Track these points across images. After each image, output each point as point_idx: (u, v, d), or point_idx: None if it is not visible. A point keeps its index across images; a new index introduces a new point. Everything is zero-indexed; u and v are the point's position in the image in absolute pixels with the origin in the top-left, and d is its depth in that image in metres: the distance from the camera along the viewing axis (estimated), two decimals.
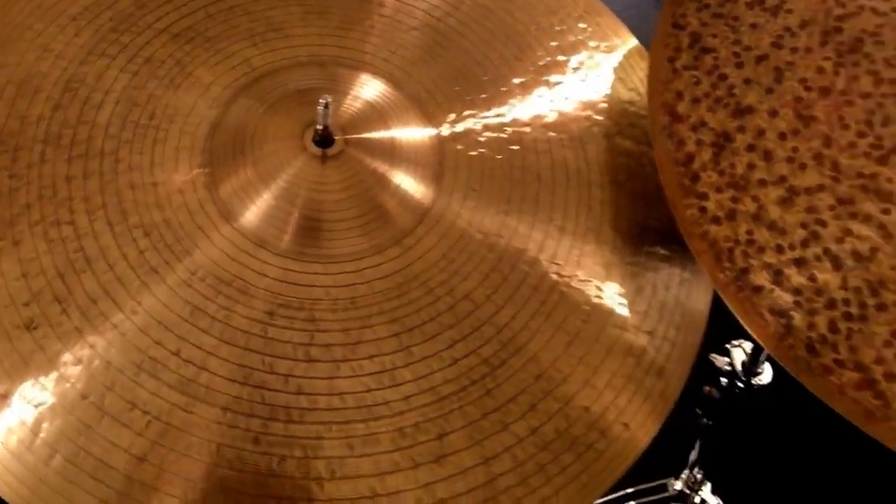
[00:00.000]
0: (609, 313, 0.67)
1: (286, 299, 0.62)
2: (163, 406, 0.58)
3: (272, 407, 0.58)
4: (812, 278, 0.62)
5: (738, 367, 0.91)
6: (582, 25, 0.83)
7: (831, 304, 0.61)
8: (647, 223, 0.72)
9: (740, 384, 0.92)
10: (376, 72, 0.74)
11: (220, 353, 0.59)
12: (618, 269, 0.69)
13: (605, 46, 0.82)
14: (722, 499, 1.08)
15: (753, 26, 0.72)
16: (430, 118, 0.72)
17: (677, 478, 1.10)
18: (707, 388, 0.95)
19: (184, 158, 0.67)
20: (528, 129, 0.74)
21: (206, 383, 0.59)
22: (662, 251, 0.71)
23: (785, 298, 0.62)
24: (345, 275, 0.64)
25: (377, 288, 0.64)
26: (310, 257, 0.64)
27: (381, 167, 0.68)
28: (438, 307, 0.63)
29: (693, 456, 1.04)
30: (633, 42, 0.83)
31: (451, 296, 0.64)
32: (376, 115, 0.71)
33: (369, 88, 0.72)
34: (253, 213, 0.65)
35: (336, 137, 0.67)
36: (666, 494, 1.10)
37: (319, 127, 0.65)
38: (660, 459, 1.03)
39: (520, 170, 0.72)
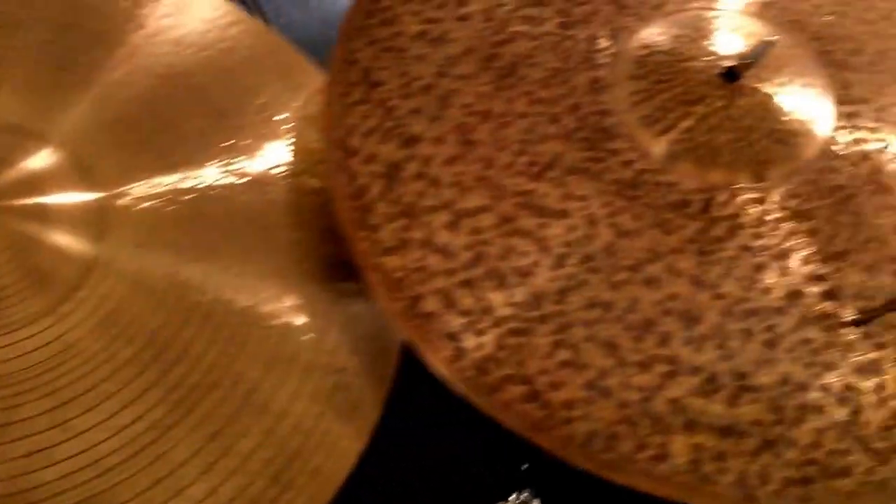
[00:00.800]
0: (296, 356, 0.67)
1: None
2: None
3: None
4: (479, 298, 0.64)
5: None
6: (266, 63, 0.83)
7: (498, 323, 0.64)
8: (335, 259, 0.72)
9: None
10: (31, 133, 0.70)
11: None
12: (305, 309, 0.69)
13: (290, 85, 0.82)
14: None
15: (419, 57, 0.75)
16: (94, 174, 0.69)
17: (506, 501, 1.10)
18: None
19: None
20: (205, 176, 0.73)
21: None
22: (352, 285, 0.72)
23: (455, 322, 0.64)
24: None
25: (30, 361, 0.60)
26: None
27: (33, 231, 0.65)
28: (100, 374, 0.61)
29: (520, 475, 1.04)
30: (318, 80, 0.83)
31: (113, 360, 0.61)
32: (31, 177, 0.67)
33: (22, 152, 0.69)
34: None
35: None
36: None
37: None
38: (490, 485, 1.03)
39: (197, 218, 0.70)
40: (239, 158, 0.76)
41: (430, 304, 0.65)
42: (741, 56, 0.70)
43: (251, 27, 0.86)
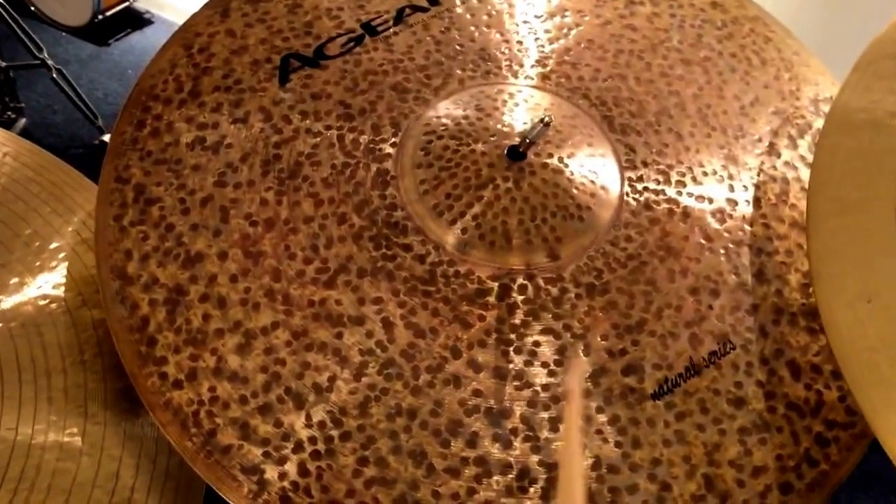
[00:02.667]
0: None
1: None
2: None
3: None
4: (278, 423, 0.64)
5: None
6: (33, 188, 0.81)
7: (299, 447, 0.64)
8: (127, 393, 0.71)
9: None
10: None
11: None
12: (93, 457, 0.67)
13: (63, 208, 0.81)
14: None
15: (196, 168, 0.75)
16: None
17: None
18: None
19: None
20: None
21: None
22: (146, 422, 0.70)
23: (254, 453, 0.63)
24: None
25: None
26: None
27: None
28: None
29: None
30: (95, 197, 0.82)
31: None
32: None
33: None
34: None
35: None
36: None
37: None
38: None
39: None
40: (6, 299, 0.73)
41: (227, 437, 0.64)
42: (523, 134, 0.73)
43: (15, 148, 0.84)
